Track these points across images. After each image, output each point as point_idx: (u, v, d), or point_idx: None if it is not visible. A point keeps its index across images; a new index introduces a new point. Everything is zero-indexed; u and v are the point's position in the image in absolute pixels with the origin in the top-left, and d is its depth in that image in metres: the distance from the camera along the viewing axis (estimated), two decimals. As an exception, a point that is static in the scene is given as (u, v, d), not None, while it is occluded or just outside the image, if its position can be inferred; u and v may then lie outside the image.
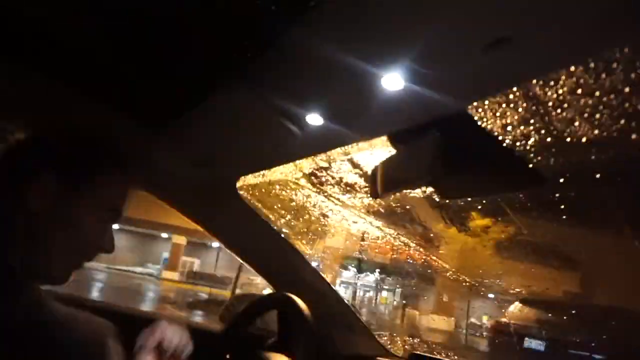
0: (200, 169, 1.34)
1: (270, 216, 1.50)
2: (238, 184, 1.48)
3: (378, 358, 1.60)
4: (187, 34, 0.84)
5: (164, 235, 27.80)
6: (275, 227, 1.61)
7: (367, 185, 1.49)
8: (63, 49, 0.95)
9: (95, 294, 12.65)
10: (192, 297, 16.92)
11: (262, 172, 1.39)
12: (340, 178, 1.47)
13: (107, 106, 1.18)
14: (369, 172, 1.12)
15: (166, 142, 1.26)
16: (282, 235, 1.62)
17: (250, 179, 1.45)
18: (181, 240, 26.63)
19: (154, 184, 1.38)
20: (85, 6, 0.83)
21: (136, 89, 1.14)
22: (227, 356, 1.33)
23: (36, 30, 0.91)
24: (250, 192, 1.46)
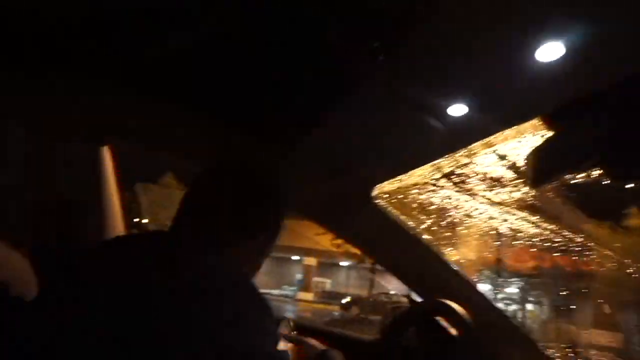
0: (336, 179, 1.36)
1: (410, 222, 1.46)
2: (373, 192, 1.47)
3: None
4: (316, 40, 0.86)
5: (295, 257, 29.09)
6: (415, 234, 1.56)
7: (517, 177, 1.38)
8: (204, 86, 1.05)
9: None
10: (327, 316, 17.31)
11: (398, 177, 1.37)
12: (485, 173, 1.37)
13: (245, 133, 1.26)
14: (520, 163, 1.03)
15: (301, 157, 1.31)
16: (424, 242, 1.57)
17: (385, 185, 1.44)
18: (312, 261, 27.57)
19: (290, 199, 1.44)
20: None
21: (266, 109, 1.21)
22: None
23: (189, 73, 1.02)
24: (387, 198, 1.44)
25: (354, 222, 1.52)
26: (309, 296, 26.85)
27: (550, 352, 1.64)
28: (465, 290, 1.51)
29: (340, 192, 1.42)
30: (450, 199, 1.57)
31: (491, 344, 1.44)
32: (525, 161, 0.95)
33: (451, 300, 1.24)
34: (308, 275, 27.74)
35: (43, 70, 1.03)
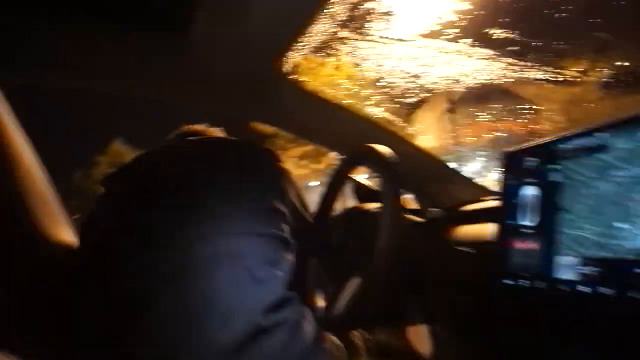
0: (232, 61, 1.25)
1: (330, 90, 1.39)
2: (284, 67, 1.38)
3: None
4: None
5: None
6: (335, 100, 1.50)
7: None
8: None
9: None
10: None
11: (301, 45, 1.27)
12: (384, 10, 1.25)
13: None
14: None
15: (192, 42, 1.19)
16: (343, 105, 1.51)
17: (293, 58, 1.34)
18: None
19: (194, 92, 1.34)
20: None
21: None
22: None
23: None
24: (298, 72, 1.35)
25: (265, 100, 1.44)
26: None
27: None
28: (392, 143, 1.50)
29: (243, 72, 1.33)
30: (357, 49, 1.46)
31: (422, 186, 1.47)
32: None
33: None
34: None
35: None
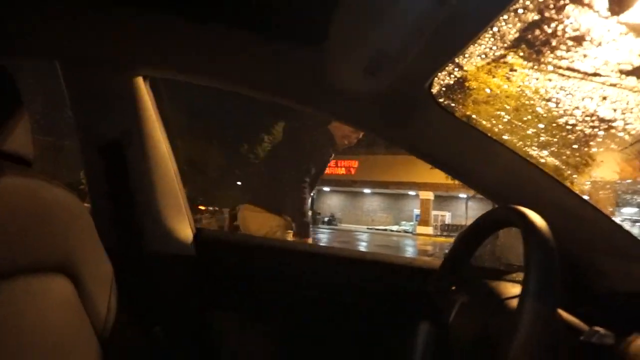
0: (376, 77, 1.12)
1: (484, 122, 1.15)
2: (429, 87, 1.20)
3: None
4: None
5: (412, 193, 28.80)
6: (490, 135, 1.26)
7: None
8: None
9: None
10: (447, 249, 17.00)
11: (455, 64, 1.08)
12: (564, 31, 0.97)
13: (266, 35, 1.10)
14: None
15: (329, 56, 1.10)
16: (502, 144, 1.27)
17: (444, 79, 1.15)
18: (428, 195, 27.05)
19: (332, 107, 1.25)
20: None
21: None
22: (452, 288, 1.08)
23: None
24: (450, 96, 1.16)
25: (412, 126, 1.27)
26: (428, 230, 26.60)
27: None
28: (558, 199, 1.19)
29: (387, 92, 1.18)
30: (528, 79, 1.16)
31: (596, 263, 1.12)
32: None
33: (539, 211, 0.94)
34: (426, 210, 27.30)
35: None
